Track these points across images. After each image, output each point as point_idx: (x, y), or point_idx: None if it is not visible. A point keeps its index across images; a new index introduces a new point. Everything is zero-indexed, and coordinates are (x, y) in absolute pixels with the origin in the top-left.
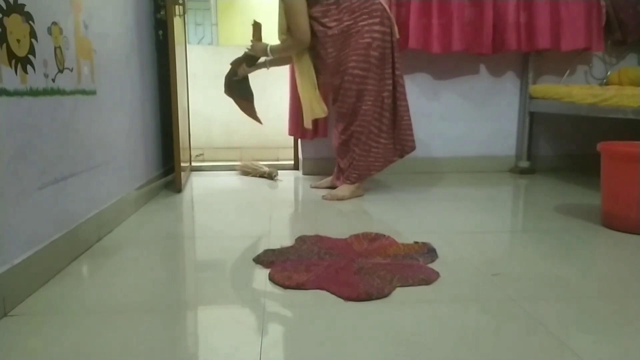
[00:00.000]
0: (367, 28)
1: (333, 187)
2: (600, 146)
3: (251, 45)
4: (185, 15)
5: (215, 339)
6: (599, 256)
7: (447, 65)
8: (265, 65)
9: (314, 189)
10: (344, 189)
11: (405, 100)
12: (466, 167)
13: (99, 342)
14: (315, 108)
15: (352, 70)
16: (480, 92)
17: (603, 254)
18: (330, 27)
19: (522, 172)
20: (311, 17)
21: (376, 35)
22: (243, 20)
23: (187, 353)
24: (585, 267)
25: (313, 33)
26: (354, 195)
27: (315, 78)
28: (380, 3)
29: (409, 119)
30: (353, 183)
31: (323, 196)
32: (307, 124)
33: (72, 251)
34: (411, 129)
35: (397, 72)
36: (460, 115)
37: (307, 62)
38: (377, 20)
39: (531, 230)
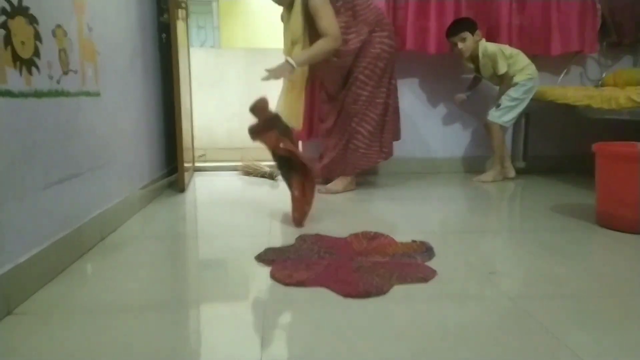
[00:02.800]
0: (378, 39)
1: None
2: (595, 147)
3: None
4: (188, 19)
5: (216, 336)
6: (595, 255)
7: (445, 66)
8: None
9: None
10: (337, 183)
11: (396, 106)
12: (463, 167)
13: (102, 341)
14: (293, 119)
15: (358, 75)
16: (479, 92)
17: (599, 252)
18: (350, 38)
19: (518, 172)
20: None
21: (385, 47)
22: (244, 23)
23: (189, 351)
24: (581, 265)
25: None
26: (346, 189)
27: (303, 91)
28: (387, 18)
29: (394, 126)
30: (344, 177)
31: (318, 189)
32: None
33: (75, 250)
34: (393, 137)
35: (392, 81)
36: (457, 116)
37: (302, 74)
38: (386, 34)
39: (527, 229)
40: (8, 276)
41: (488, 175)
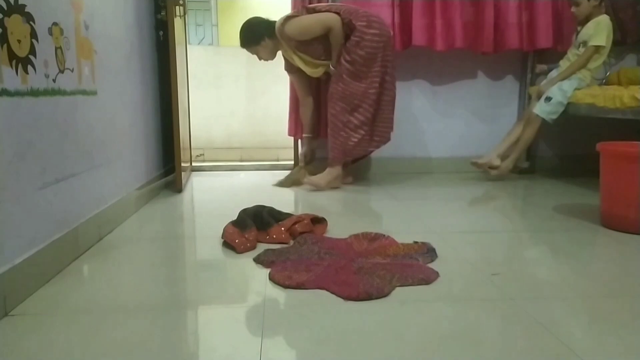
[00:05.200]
0: (356, 29)
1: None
2: (599, 146)
3: None
4: (186, 16)
5: (215, 338)
6: (599, 256)
7: (447, 65)
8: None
9: (314, 189)
10: (322, 177)
11: (390, 95)
12: (466, 167)
13: (99, 342)
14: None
15: (342, 62)
16: (479, 93)
17: (602, 253)
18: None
19: (522, 172)
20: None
21: (365, 35)
22: (243, 21)
23: (187, 352)
24: (584, 266)
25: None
26: (329, 186)
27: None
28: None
29: (391, 113)
30: (331, 166)
31: (304, 180)
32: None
33: (72, 251)
34: (391, 123)
35: (387, 70)
36: (459, 116)
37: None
38: (364, 23)
39: (530, 230)
40: (5, 277)
41: (503, 168)
